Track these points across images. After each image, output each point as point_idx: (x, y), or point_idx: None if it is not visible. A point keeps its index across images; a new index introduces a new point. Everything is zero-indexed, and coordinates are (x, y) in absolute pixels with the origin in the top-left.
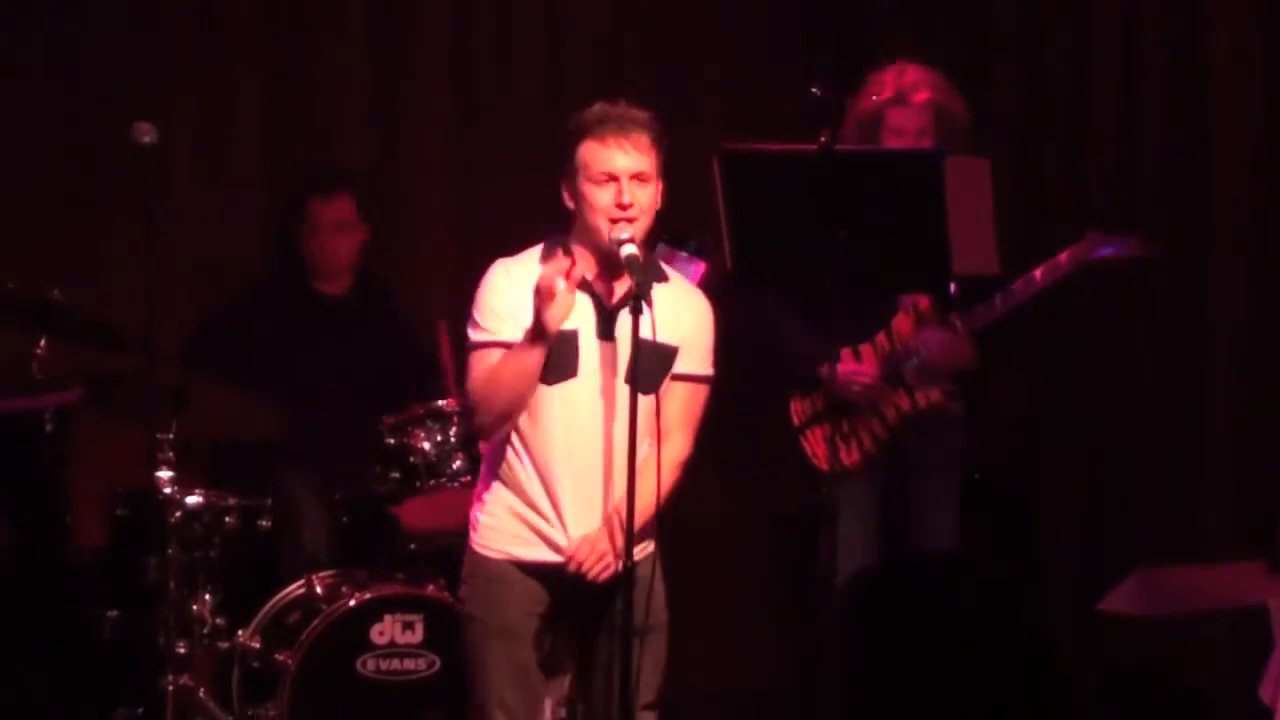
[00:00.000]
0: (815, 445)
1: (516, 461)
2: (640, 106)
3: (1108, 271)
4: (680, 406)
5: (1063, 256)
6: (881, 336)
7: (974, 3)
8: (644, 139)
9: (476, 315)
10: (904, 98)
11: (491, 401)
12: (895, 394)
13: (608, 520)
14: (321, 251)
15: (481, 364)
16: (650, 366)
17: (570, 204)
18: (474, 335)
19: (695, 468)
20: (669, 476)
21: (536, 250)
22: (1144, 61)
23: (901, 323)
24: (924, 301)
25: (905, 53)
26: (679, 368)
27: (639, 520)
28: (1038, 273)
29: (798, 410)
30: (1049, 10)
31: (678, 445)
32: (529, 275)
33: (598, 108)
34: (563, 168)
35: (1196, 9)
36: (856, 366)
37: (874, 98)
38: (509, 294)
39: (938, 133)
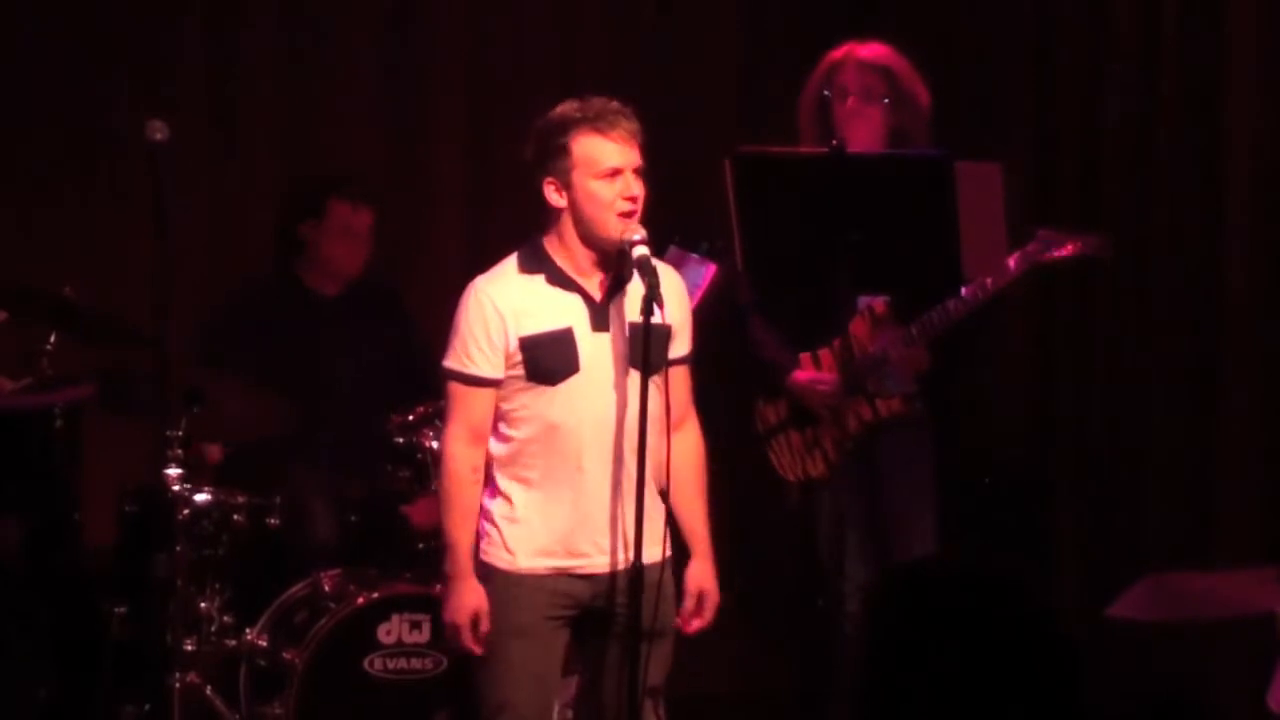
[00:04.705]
0: (779, 454)
1: (522, 466)
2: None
3: (1061, 271)
4: (685, 389)
5: (1011, 260)
6: (839, 341)
7: (990, 6)
8: (638, 132)
9: (455, 342)
10: (851, 56)
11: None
12: (856, 402)
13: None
14: (332, 255)
15: (456, 400)
16: (653, 350)
17: (558, 199)
18: (449, 363)
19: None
20: (701, 456)
21: (512, 261)
22: (1160, 62)
23: (858, 326)
24: (879, 305)
25: (918, 54)
26: (674, 352)
27: (697, 515)
28: (989, 278)
29: (762, 416)
30: (1065, 11)
31: (697, 430)
32: (506, 290)
33: (585, 101)
34: (545, 161)
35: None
36: (816, 374)
37: (824, 62)
38: (486, 323)
39: (892, 110)
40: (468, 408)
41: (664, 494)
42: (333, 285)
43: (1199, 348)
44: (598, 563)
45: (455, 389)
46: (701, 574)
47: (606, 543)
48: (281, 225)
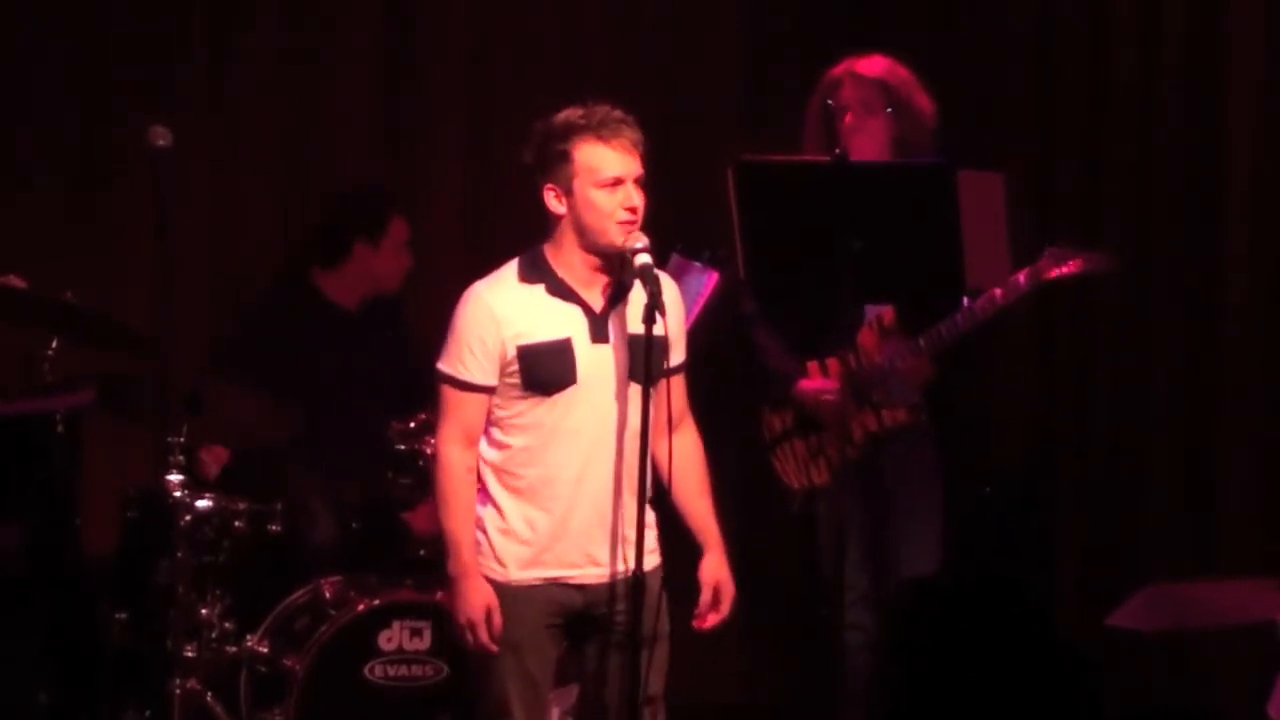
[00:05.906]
0: (784, 462)
1: (513, 475)
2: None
3: (1070, 287)
4: (682, 395)
5: (1021, 276)
6: (846, 350)
7: (989, 7)
8: (641, 142)
9: (450, 346)
10: (849, 72)
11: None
12: (862, 413)
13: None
14: (388, 271)
15: (450, 403)
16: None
17: (558, 206)
18: (443, 366)
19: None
20: (701, 453)
21: (512, 267)
22: (1160, 62)
23: (866, 337)
24: (888, 315)
25: (919, 56)
26: (670, 362)
27: (704, 511)
28: (998, 292)
29: (768, 425)
30: (1065, 11)
31: (694, 430)
32: (505, 298)
33: (589, 108)
34: (546, 167)
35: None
36: (822, 383)
37: (825, 79)
38: (482, 330)
39: (894, 120)
40: (460, 412)
41: (664, 499)
42: (356, 298)
43: (1199, 350)
44: (590, 572)
45: (448, 392)
46: (716, 567)
47: (599, 552)
48: (331, 236)
